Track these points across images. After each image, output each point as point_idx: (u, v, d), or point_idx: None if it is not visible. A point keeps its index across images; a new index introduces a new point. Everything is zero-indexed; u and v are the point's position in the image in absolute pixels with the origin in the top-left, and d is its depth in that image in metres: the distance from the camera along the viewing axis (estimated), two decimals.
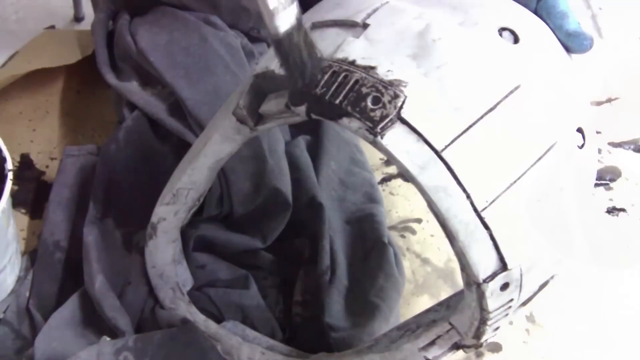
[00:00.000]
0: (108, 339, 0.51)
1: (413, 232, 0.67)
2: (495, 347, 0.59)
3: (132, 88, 0.67)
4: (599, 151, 0.76)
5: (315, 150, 0.68)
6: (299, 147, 0.66)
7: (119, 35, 0.69)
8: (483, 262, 0.35)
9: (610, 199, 0.72)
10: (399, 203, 0.70)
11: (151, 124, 0.65)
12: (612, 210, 0.71)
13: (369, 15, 0.39)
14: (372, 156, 0.72)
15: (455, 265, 0.64)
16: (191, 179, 0.50)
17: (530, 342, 0.60)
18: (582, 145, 0.39)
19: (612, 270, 0.65)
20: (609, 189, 0.73)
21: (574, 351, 0.59)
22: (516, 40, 0.38)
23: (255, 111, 0.43)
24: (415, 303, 0.61)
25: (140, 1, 0.71)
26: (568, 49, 0.42)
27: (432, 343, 0.44)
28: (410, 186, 0.69)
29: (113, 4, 0.73)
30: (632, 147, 0.77)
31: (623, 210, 0.71)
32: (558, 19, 0.41)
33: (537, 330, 0.60)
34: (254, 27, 0.73)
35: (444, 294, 0.62)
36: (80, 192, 0.63)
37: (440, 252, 0.65)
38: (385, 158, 0.73)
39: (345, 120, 0.35)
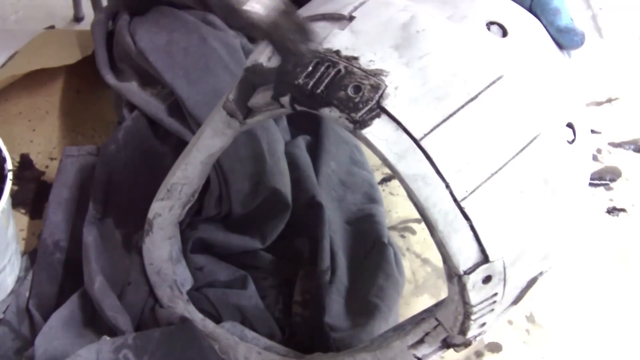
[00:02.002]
0: (108, 338, 0.51)
1: (413, 232, 0.67)
2: (495, 347, 0.59)
3: (132, 88, 0.67)
4: (599, 151, 0.76)
5: (315, 150, 0.68)
6: (299, 147, 0.66)
7: (118, 35, 0.69)
8: (463, 253, 0.35)
9: (611, 199, 0.72)
10: (399, 203, 0.70)
11: (151, 124, 0.65)
12: (612, 210, 0.71)
13: (355, 8, 0.39)
14: (372, 156, 0.71)
15: None
16: (184, 174, 0.51)
17: (530, 342, 0.60)
18: (573, 141, 0.39)
19: (611, 271, 0.65)
20: (609, 189, 0.73)
21: (574, 351, 0.59)
22: (504, 34, 0.38)
23: (244, 104, 0.43)
24: (415, 303, 0.61)
25: (140, 1, 0.71)
26: (560, 46, 0.41)
27: (421, 341, 0.44)
28: None
29: (113, 4, 0.73)
30: (632, 147, 0.77)
31: (623, 210, 0.71)
32: (550, 15, 0.41)
33: (537, 330, 0.60)
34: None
35: (444, 294, 0.62)
36: (80, 192, 0.63)
37: None
38: None
39: (326, 110, 0.36)
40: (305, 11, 0.42)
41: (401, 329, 0.46)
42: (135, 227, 0.59)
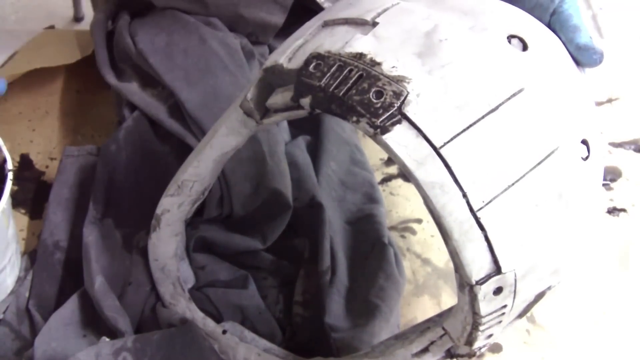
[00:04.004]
0: (107, 339, 0.51)
1: (413, 232, 0.67)
2: (496, 347, 0.59)
3: (132, 89, 0.67)
4: None
5: (315, 151, 0.68)
6: (299, 147, 0.66)
7: (118, 36, 0.69)
8: (476, 263, 0.35)
9: (611, 199, 0.72)
10: (399, 203, 0.69)
11: (151, 124, 0.65)
12: (612, 211, 0.71)
13: (378, 14, 0.39)
14: (372, 156, 0.72)
15: None
16: (196, 171, 0.51)
17: (530, 342, 0.60)
18: (587, 158, 0.39)
19: (612, 271, 0.65)
20: (609, 189, 0.73)
21: (574, 351, 0.59)
22: (525, 47, 0.38)
23: (262, 104, 0.43)
24: (415, 303, 0.61)
25: (140, 2, 0.71)
26: (578, 63, 0.41)
27: (426, 350, 0.43)
28: (410, 186, 0.69)
29: (113, 4, 0.73)
30: (632, 147, 0.77)
31: (623, 210, 0.71)
32: (570, 32, 0.41)
33: (537, 331, 0.60)
34: (252, 34, 0.73)
35: (444, 295, 0.62)
36: (80, 192, 0.63)
37: (441, 253, 0.65)
38: (386, 158, 0.73)
39: (347, 114, 0.36)
40: (326, 14, 0.42)
41: (404, 337, 0.46)
42: (136, 228, 0.59)
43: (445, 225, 0.35)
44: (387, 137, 0.34)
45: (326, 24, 0.41)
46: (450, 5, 0.40)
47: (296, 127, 0.70)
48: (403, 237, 0.67)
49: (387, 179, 0.72)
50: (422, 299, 0.62)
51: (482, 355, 0.58)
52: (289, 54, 0.40)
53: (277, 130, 0.65)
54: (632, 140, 0.78)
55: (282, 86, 0.41)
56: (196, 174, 0.51)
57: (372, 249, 0.61)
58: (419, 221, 0.68)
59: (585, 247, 0.41)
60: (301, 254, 0.61)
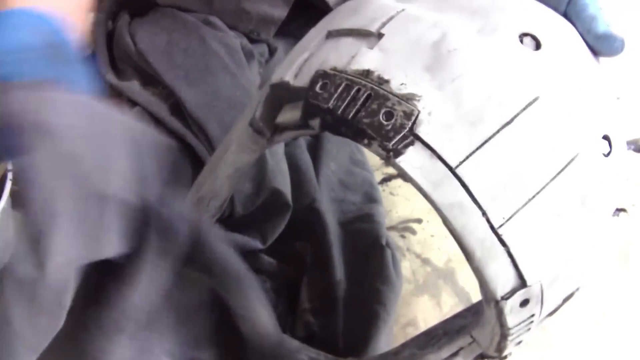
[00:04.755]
0: None
1: (413, 232, 0.67)
2: None
3: (133, 87, 0.67)
4: None
5: (315, 150, 0.68)
6: (300, 147, 0.66)
7: (118, 36, 0.69)
8: (501, 279, 0.34)
9: None
10: (399, 203, 0.70)
11: (152, 121, 0.65)
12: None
13: (383, 25, 0.37)
14: (372, 156, 0.71)
15: (456, 265, 0.64)
16: (211, 188, 0.49)
17: (530, 342, 0.60)
18: (609, 153, 0.38)
19: (612, 271, 0.65)
20: None
21: (574, 351, 0.59)
22: (538, 46, 0.37)
23: (271, 122, 0.42)
24: (415, 303, 0.61)
25: (140, 2, 0.71)
26: (597, 53, 0.40)
27: (456, 354, 0.43)
28: (410, 186, 0.69)
29: (113, 4, 0.73)
30: (632, 147, 0.77)
31: (623, 210, 0.71)
32: (587, 23, 0.39)
33: (537, 331, 0.60)
34: (254, 30, 0.73)
35: (444, 294, 0.62)
36: None
37: (441, 252, 0.65)
38: None
39: (358, 137, 0.34)
40: (329, 23, 0.41)
41: (434, 336, 0.46)
42: None
43: (467, 245, 0.34)
44: (401, 161, 0.33)
45: (330, 35, 0.40)
46: (458, 4, 0.38)
47: None
48: (403, 237, 0.67)
49: (387, 178, 0.72)
50: (422, 298, 0.62)
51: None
52: (295, 69, 0.39)
53: None
54: (632, 140, 0.78)
55: (290, 102, 0.40)
56: (212, 191, 0.50)
57: (369, 251, 0.61)
58: (419, 221, 0.68)
59: (609, 243, 0.40)
60: (301, 256, 0.61)
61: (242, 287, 0.44)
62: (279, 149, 0.63)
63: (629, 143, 0.78)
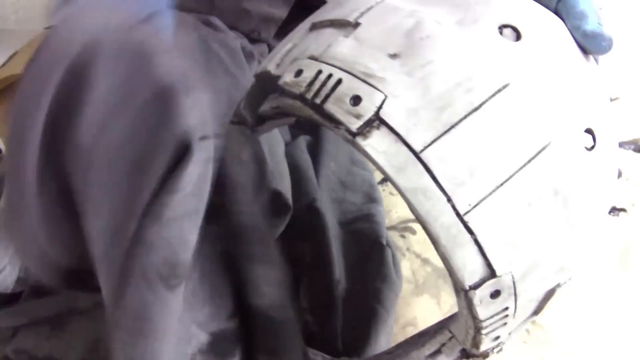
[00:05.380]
0: None
1: (413, 232, 0.67)
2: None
3: None
4: None
5: (315, 150, 0.68)
6: (300, 148, 0.66)
7: None
8: (468, 268, 0.34)
9: None
10: (399, 203, 0.70)
11: None
12: (612, 210, 0.71)
13: (362, 14, 0.38)
14: None
15: None
16: None
17: (530, 341, 0.60)
18: (592, 147, 0.37)
19: (611, 270, 0.65)
20: None
21: (574, 351, 0.59)
22: (518, 37, 0.36)
23: (255, 112, 0.42)
24: (415, 303, 0.61)
25: None
26: (586, 50, 0.40)
27: (439, 351, 0.43)
28: None
29: None
30: (632, 147, 0.77)
31: (623, 210, 0.71)
32: (576, 20, 0.39)
33: (537, 331, 0.60)
34: (254, 30, 0.73)
35: (444, 294, 0.62)
36: None
37: None
38: None
39: (325, 121, 0.35)
40: (315, 16, 0.42)
41: (417, 342, 0.46)
42: None
43: (432, 231, 0.34)
44: (366, 144, 0.34)
45: (314, 27, 0.40)
46: None
47: (296, 127, 0.70)
48: (403, 236, 0.67)
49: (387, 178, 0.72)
50: (422, 298, 0.62)
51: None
52: (278, 59, 0.40)
53: (277, 131, 0.65)
54: (631, 140, 0.78)
55: (274, 92, 0.40)
56: None
57: (370, 250, 0.61)
58: None
59: (593, 241, 0.39)
60: (301, 256, 0.61)
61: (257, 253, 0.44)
62: (279, 149, 0.63)
63: (629, 143, 0.78)
